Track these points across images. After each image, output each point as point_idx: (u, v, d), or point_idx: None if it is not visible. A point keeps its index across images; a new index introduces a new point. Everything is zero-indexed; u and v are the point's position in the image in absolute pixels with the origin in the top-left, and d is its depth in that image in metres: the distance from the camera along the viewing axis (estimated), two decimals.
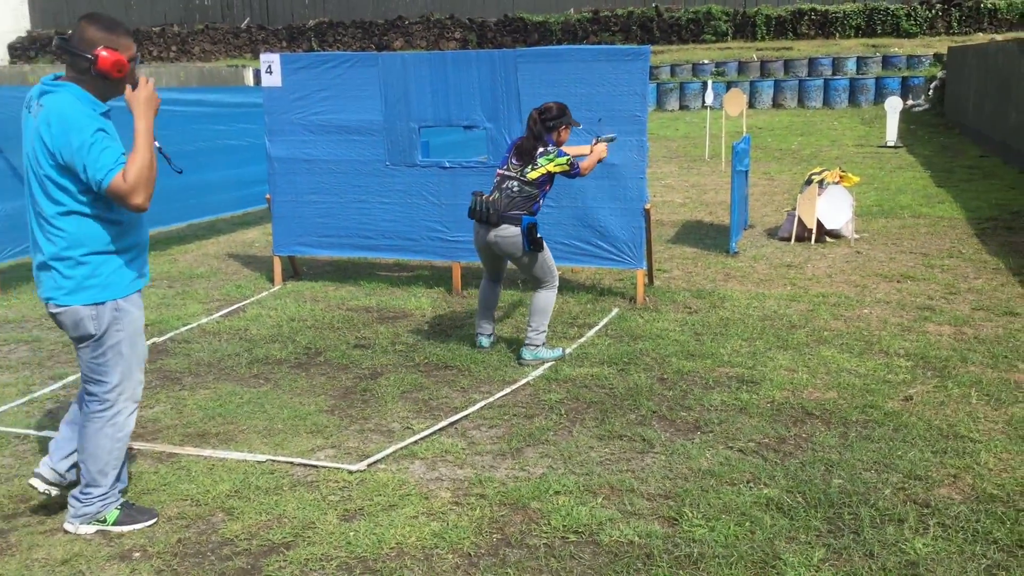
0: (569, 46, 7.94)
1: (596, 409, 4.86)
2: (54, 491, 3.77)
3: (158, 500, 3.90)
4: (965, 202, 10.93)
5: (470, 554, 3.44)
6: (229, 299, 7.50)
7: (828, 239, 9.09)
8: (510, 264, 5.83)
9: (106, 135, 3.31)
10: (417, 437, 4.53)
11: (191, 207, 10.18)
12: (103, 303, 3.43)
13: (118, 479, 3.68)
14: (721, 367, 5.46)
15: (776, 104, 23.48)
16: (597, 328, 6.31)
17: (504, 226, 5.43)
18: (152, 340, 6.28)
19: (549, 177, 5.52)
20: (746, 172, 9.73)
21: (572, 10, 30.35)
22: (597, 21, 29.48)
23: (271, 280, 8.02)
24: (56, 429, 4.70)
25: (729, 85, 22.55)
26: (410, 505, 3.82)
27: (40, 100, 3.35)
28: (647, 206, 6.88)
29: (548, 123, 5.50)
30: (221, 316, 6.94)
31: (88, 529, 3.62)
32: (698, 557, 3.36)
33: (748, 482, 3.95)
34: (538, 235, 5.44)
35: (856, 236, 9.13)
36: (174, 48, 33.68)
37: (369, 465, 4.21)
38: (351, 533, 3.59)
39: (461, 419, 4.78)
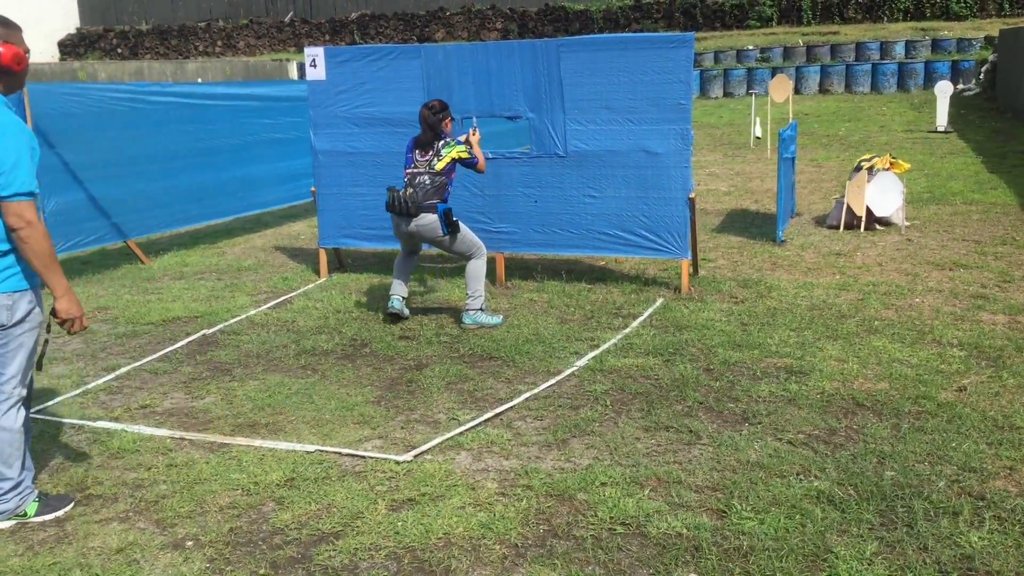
0: (611, 34, 7.89)
1: (642, 400, 4.83)
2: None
3: (210, 490, 3.97)
4: (1018, 188, 10.67)
5: (517, 545, 3.45)
6: (276, 291, 7.58)
7: (878, 227, 8.93)
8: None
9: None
10: (463, 428, 4.54)
11: (238, 201, 10.29)
12: (19, 291, 3.61)
13: (24, 467, 3.72)
14: (769, 357, 5.40)
15: (823, 90, 23.13)
16: (642, 319, 6.28)
17: (422, 215, 6.07)
18: (202, 332, 6.38)
19: (453, 165, 6.18)
20: (793, 159, 9.60)
21: None
22: (639, 8, 29.25)
23: (317, 272, 8.09)
24: (102, 420, 4.80)
25: (774, 71, 22.26)
26: (457, 496, 3.83)
27: None
28: (692, 195, 6.82)
29: (437, 115, 6.17)
30: (269, 308, 7.03)
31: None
32: (748, 550, 3.33)
33: (798, 474, 3.91)
34: (454, 219, 6.11)
35: (906, 224, 8.96)
36: (219, 43, 34.07)
37: (416, 456, 4.23)
38: (399, 523, 3.62)
39: (506, 410, 4.79)
